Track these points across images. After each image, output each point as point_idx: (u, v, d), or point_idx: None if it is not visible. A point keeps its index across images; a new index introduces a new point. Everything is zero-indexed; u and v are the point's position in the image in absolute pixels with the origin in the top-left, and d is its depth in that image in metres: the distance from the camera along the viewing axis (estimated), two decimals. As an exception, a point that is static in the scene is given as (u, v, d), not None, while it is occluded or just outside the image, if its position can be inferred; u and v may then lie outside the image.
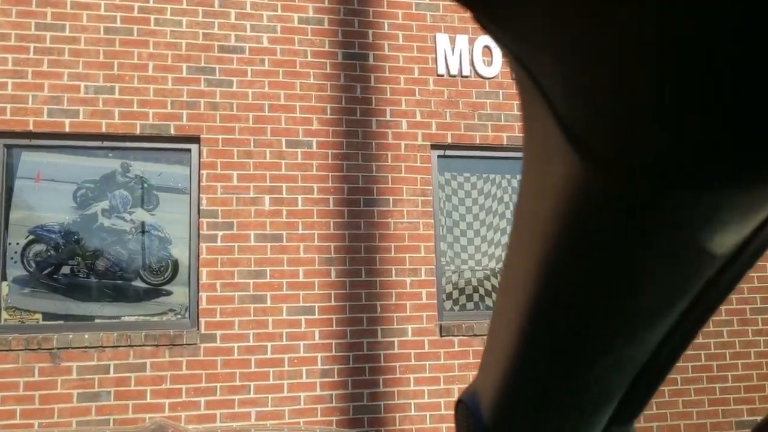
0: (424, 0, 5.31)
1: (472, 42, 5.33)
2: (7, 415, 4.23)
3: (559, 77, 0.23)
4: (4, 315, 4.47)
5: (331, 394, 4.68)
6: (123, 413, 4.38)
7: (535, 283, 0.33)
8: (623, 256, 0.28)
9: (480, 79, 5.32)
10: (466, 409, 0.46)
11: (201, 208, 4.72)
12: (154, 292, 4.70)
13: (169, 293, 4.71)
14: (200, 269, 4.64)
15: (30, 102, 4.56)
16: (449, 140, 5.20)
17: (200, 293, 4.62)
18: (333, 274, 4.82)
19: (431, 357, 4.87)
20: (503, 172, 5.38)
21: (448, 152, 5.24)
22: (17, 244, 4.54)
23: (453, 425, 0.49)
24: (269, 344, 4.64)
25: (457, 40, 5.31)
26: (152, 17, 4.80)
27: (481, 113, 5.28)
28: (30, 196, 4.61)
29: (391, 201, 5.01)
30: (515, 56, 0.24)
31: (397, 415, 4.75)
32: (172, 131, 4.75)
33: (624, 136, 0.22)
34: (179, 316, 4.69)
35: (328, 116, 5.00)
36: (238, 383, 4.56)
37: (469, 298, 5.21)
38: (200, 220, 4.70)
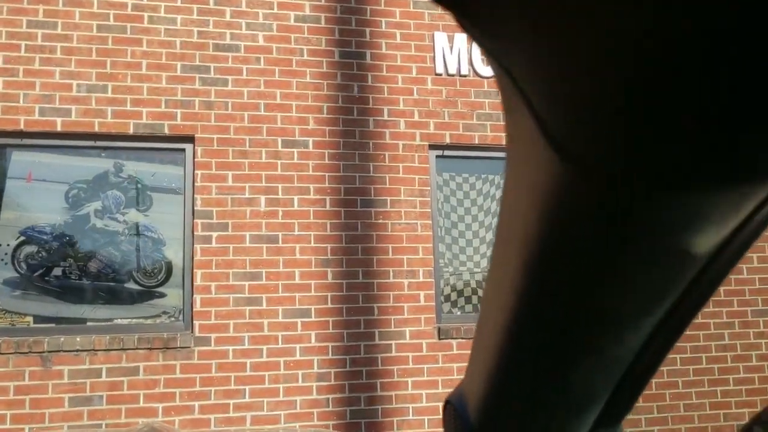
0: (422, -2, 5.27)
1: (470, 41, 5.28)
2: (-4, 419, 4.17)
3: (540, 83, 0.23)
4: (-6, 318, 4.42)
5: (328, 398, 4.64)
6: (116, 418, 4.33)
7: (518, 283, 0.33)
8: (605, 259, 0.29)
9: (479, 79, 5.27)
10: (453, 410, 0.47)
11: (195, 208, 4.67)
12: (148, 294, 4.65)
13: (162, 295, 4.67)
14: (194, 271, 4.60)
15: (21, 101, 4.52)
16: (448, 140, 5.16)
17: (194, 295, 4.58)
18: (329, 275, 4.78)
19: (429, 360, 4.83)
20: (502, 172, 5.33)
21: (447, 152, 5.20)
22: (8, 245, 4.49)
23: None
24: (265, 347, 4.60)
25: (455, 39, 5.26)
26: (146, 15, 4.76)
27: (480, 113, 5.24)
28: (21, 197, 4.56)
29: (388, 202, 4.97)
30: (497, 61, 0.24)
31: (395, 419, 4.72)
32: (166, 131, 4.70)
33: (605, 142, 0.22)
34: (173, 319, 4.64)
35: (325, 116, 4.96)
36: (233, 387, 4.52)
37: (468, 300, 5.15)
38: (195, 220, 4.66)
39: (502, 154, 5.28)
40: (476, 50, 5.29)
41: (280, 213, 4.77)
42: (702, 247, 0.27)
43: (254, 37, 4.92)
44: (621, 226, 0.26)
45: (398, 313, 4.85)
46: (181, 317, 4.64)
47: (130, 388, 4.38)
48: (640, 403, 5.18)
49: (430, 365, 4.83)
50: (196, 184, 4.69)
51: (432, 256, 5.01)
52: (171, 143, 4.75)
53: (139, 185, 4.72)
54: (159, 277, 4.68)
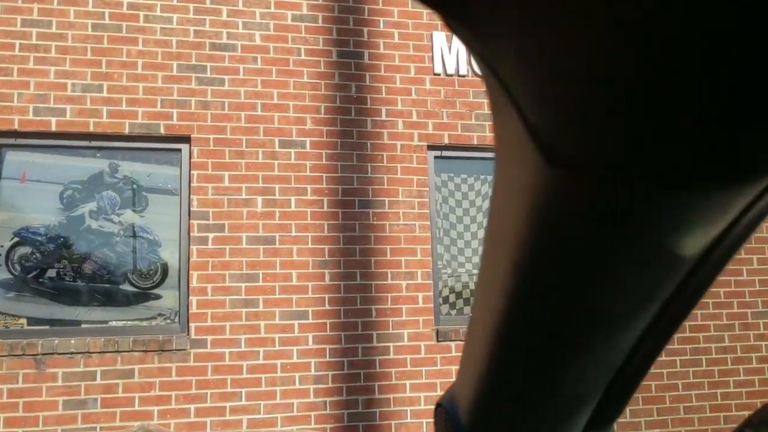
0: (420, -2, 5.23)
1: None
2: (-11, 423, 4.14)
3: (528, 84, 0.23)
4: (-12, 320, 4.38)
5: (325, 401, 4.61)
6: (110, 421, 4.30)
7: (508, 285, 0.33)
8: (594, 261, 0.29)
9: (477, 79, 5.24)
10: (444, 412, 0.47)
11: (191, 209, 4.65)
12: (143, 296, 4.62)
13: (158, 297, 4.63)
14: (190, 272, 4.57)
15: (15, 100, 4.49)
16: (446, 141, 5.13)
17: (190, 297, 4.55)
18: (327, 277, 4.76)
19: (428, 363, 4.80)
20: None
21: (445, 153, 5.17)
22: (1, 246, 4.46)
23: None
24: (261, 350, 4.57)
25: (454, 39, 5.23)
26: (141, 14, 4.74)
27: (479, 113, 5.21)
28: (15, 197, 4.53)
29: (386, 203, 4.94)
30: (485, 61, 0.24)
31: (393, 422, 4.70)
32: (162, 131, 4.68)
33: (595, 143, 0.22)
34: (169, 321, 4.61)
35: (322, 116, 4.94)
36: (229, 390, 4.49)
37: (467, 302, 5.12)
38: (191, 221, 4.63)
39: (500, 155, 5.25)
40: (475, 50, 5.26)
41: (277, 214, 4.75)
42: (690, 249, 0.28)
43: (251, 37, 4.90)
44: (610, 228, 0.26)
45: (396, 315, 4.82)
46: (176, 319, 4.61)
47: (125, 391, 4.35)
48: (639, 405, 5.16)
49: (429, 368, 4.80)
50: (192, 184, 4.67)
51: (430, 258, 4.98)
52: (167, 143, 4.72)
53: (135, 186, 4.69)
54: (154, 279, 4.65)
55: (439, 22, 5.21)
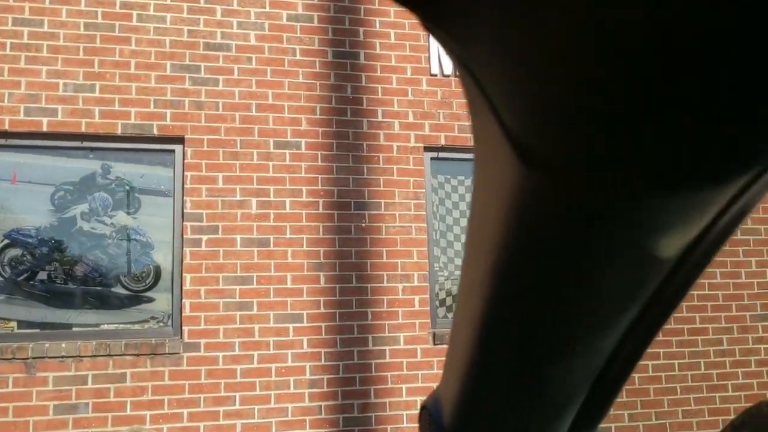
0: (416, -2, 5.21)
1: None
2: (-22, 428, 4.10)
3: (504, 85, 0.23)
4: (-23, 323, 4.35)
5: (320, 405, 4.59)
6: (102, 426, 4.28)
7: (487, 288, 0.33)
8: (572, 262, 0.29)
9: (474, 80, 5.21)
10: (428, 415, 0.48)
11: (185, 211, 4.61)
12: (135, 298, 4.58)
13: (150, 300, 4.60)
14: (184, 275, 4.54)
15: (6, 100, 4.46)
16: (443, 142, 5.10)
17: (183, 300, 4.52)
18: (322, 280, 4.73)
19: (424, 366, 4.78)
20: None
21: (442, 154, 5.14)
22: (-9, 248, 4.39)
23: None
24: (255, 353, 4.55)
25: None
26: (135, 13, 4.71)
27: (476, 114, 5.17)
28: (5, 199, 4.49)
29: (382, 204, 4.92)
30: (461, 62, 0.24)
31: (389, 426, 4.67)
32: (155, 131, 4.65)
33: (573, 145, 0.22)
34: (161, 324, 4.58)
35: (318, 116, 4.92)
36: (223, 394, 4.46)
37: (463, 305, 5.07)
38: (184, 223, 4.60)
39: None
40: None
41: (272, 216, 4.72)
42: (668, 251, 0.28)
43: (246, 36, 4.87)
44: (587, 230, 0.26)
45: (392, 318, 4.80)
46: (169, 322, 4.57)
47: (116, 396, 4.32)
48: (638, 409, 5.14)
49: (425, 371, 4.78)
50: (185, 186, 4.64)
51: (427, 260, 4.96)
52: (160, 144, 4.69)
53: (127, 187, 4.66)
54: (147, 282, 4.61)
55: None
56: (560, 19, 0.19)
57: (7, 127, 4.42)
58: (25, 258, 4.45)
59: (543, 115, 0.22)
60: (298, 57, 4.95)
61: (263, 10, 4.93)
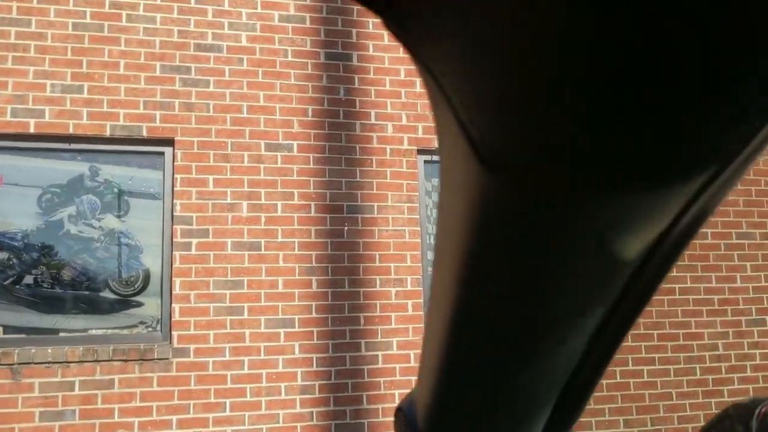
0: (410, -1, 5.19)
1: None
2: (-39, 436, 4.05)
3: (462, 84, 0.23)
4: (-39, 328, 4.32)
5: (312, 412, 4.56)
6: (89, 433, 4.19)
7: (453, 289, 0.33)
8: (532, 264, 0.29)
9: (468, 82, 5.20)
10: (403, 416, 0.48)
11: (174, 214, 4.58)
12: (124, 303, 4.54)
13: (139, 304, 4.55)
14: (173, 279, 4.51)
15: (-8, 101, 4.38)
16: (436, 145, 5.05)
17: (173, 305, 4.48)
18: (314, 284, 4.69)
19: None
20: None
21: (435, 157, 5.10)
22: (-24, 252, 4.34)
23: None
24: (246, 359, 4.51)
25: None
26: (124, 13, 4.67)
27: (470, 117, 5.16)
28: (-9, 201, 4.41)
29: (375, 208, 4.89)
30: (420, 60, 0.24)
31: (382, 433, 4.62)
32: (145, 133, 4.61)
33: (534, 147, 0.23)
34: (150, 329, 4.54)
35: (310, 119, 4.89)
36: (212, 400, 4.43)
37: (457, 309, 5.06)
38: (173, 227, 4.56)
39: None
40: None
41: (263, 219, 4.68)
42: (629, 252, 0.27)
43: (237, 37, 4.83)
44: (546, 230, 0.27)
45: (385, 323, 4.77)
46: (158, 327, 4.54)
47: (104, 402, 4.28)
48: (633, 415, 5.11)
49: (418, 377, 4.73)
50: (175, 188, 4.60)
51: (420, 264, 4.94)
52: (149, 146, 4.65)
53: (116, 190, 4.62)
54: (136, 286, 4.57)
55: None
56: (508, 19, 0.19)
57: (-7, 128, 4.38)
58: (11, 262, 4.40)
59: (498, 113, 0.22)
60: (290, 58, 4.92)
61: (255, 10, 4.89)
